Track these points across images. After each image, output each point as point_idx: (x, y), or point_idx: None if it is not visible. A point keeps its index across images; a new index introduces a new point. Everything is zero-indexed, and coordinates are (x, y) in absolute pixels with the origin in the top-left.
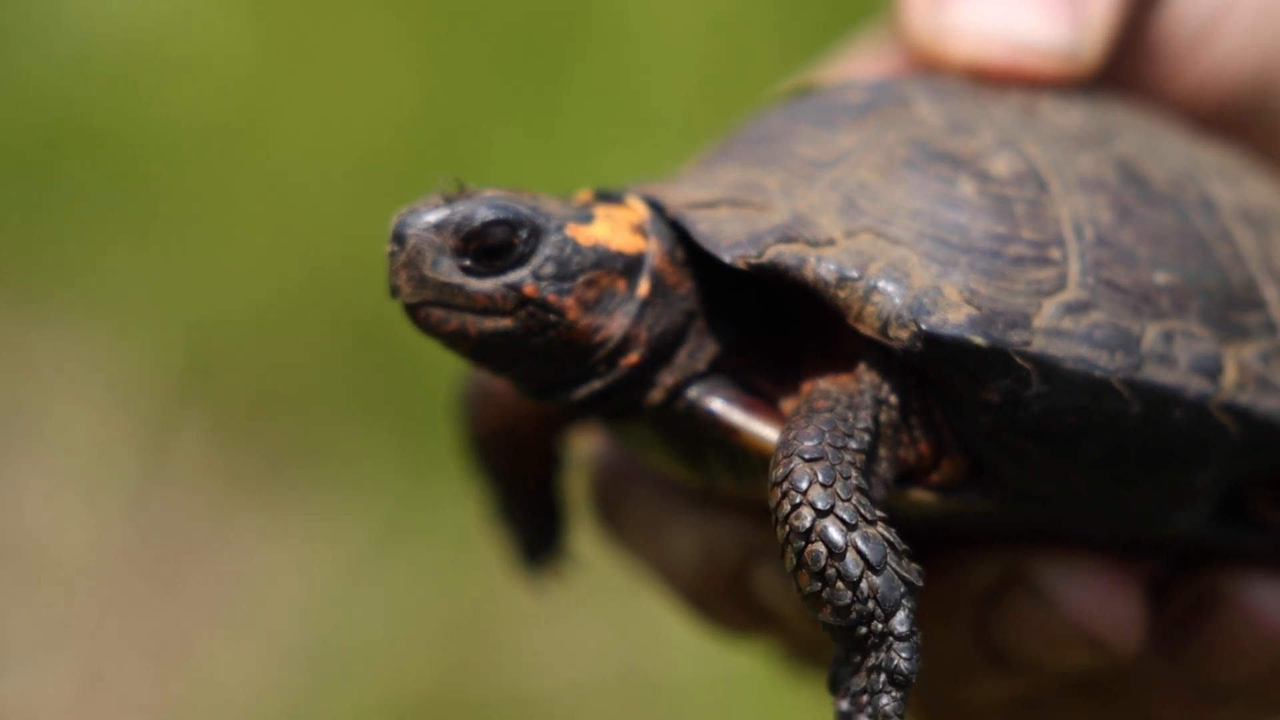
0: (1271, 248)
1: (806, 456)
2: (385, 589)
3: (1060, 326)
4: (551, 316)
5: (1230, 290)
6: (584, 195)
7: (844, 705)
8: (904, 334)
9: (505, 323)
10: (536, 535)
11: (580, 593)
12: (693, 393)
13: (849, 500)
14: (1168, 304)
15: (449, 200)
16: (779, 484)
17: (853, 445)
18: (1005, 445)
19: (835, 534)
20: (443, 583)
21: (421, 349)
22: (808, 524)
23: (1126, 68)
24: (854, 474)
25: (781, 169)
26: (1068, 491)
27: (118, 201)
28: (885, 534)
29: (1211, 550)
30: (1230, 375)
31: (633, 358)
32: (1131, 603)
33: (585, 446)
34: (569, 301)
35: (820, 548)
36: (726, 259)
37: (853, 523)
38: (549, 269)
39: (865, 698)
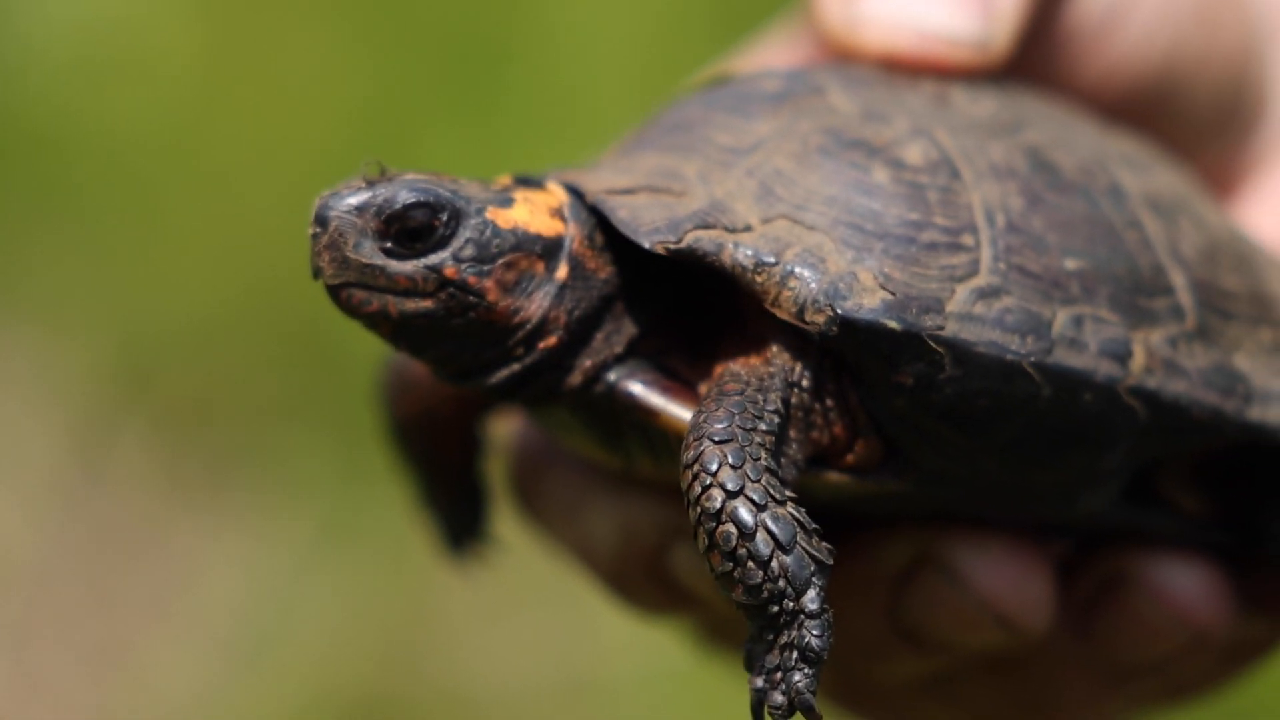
0: (1179, 235)
1: (716, 439)
2: (323, 589)
3: (973, 311)
4: (471, 298)
5: (1139, 276)
6: (504, 180)
7: (759, 682)
8: (820, 318)
9: (426, 304)
10: (460, 520)
11: (517, 591)
12: (612, 376)
13: (758, 481)
14: (1078, 289)
15: (371, 183)
16: (689, 466)
17: (762, 427)
18: (919, 427)
19: (745, 514)
20: (380, 582)
21: (358, 355)
22: (718, 505)
23: (1036, 59)
24: (763, 455)
25: (699, 156)
26: (980, 473)
27: (56, 206)
28: (795, 514)
29: (1120, 531)
30: (1139, 359)
31: (551, 340)
32: (1041, 582)
33: (505, 430)
34: (489, 283)
35: (731, 528)
36: (646, 244)
37: (762, 503)
38: (469, 251)
39: (779, 675)
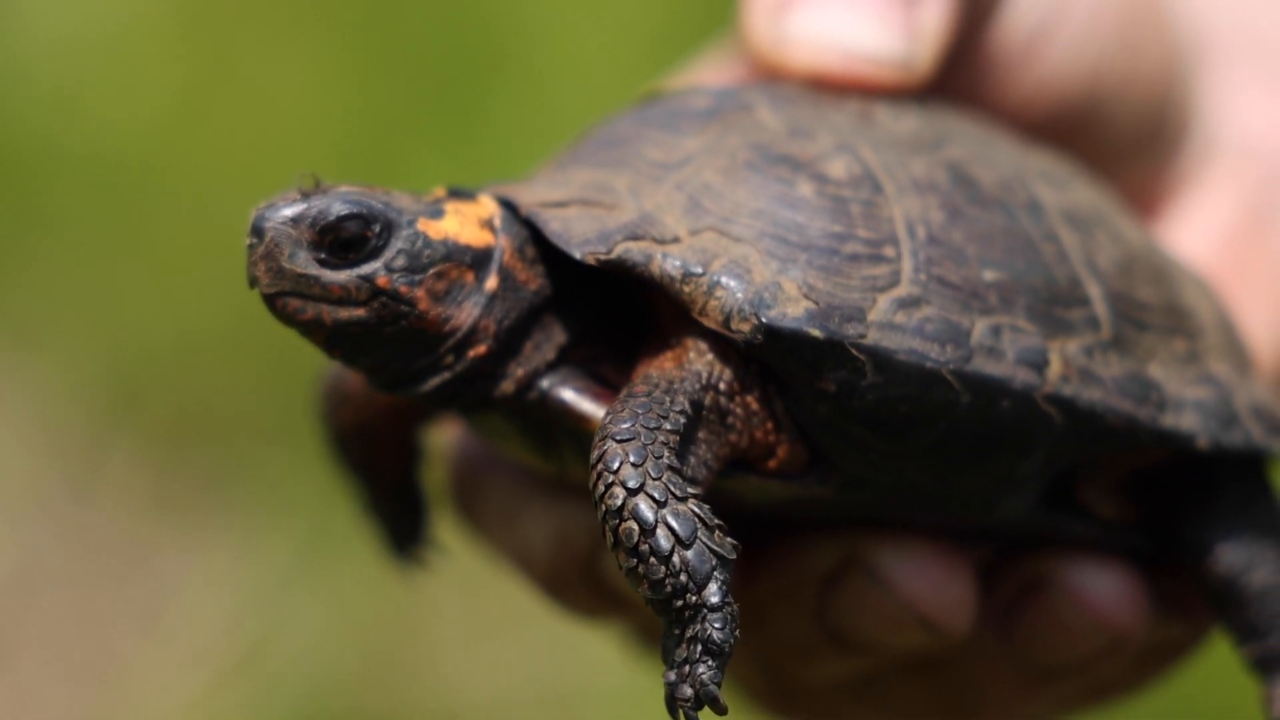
0: (1095, 248)
1: (619, 438)
2: (308, 606)
3: (894, 320)
4: (403, 307)
5: (1055, 287)
6: (438, 192)
7: (671, 676)
8: (745, 327)
9: (359, 313)
10: (402, 527)
11: (500, 606)
12: (544, 383)
13: (659, 479)
14: (996, 300)
15: (305, 195)
16: (594, 465)
17: (666, 426)
18: (842, 433)
19: (646, 510)
20: (364, 599)
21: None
22: (619, 502)
23: (960, 78)
24: (665, 453)
25: (630, 170)
26: (902, 478)
27: (41, 225)
28: (696, 510)
29: (1040, 536)
30: (1055, 368)
31: (481, 349)
32: (963, 585)
33: (444, 439)
34: (419, 293)
35: (632, 525)
36: (577, 255)
37: (662, 500)
38: (400, 261)
39: (687, 668)
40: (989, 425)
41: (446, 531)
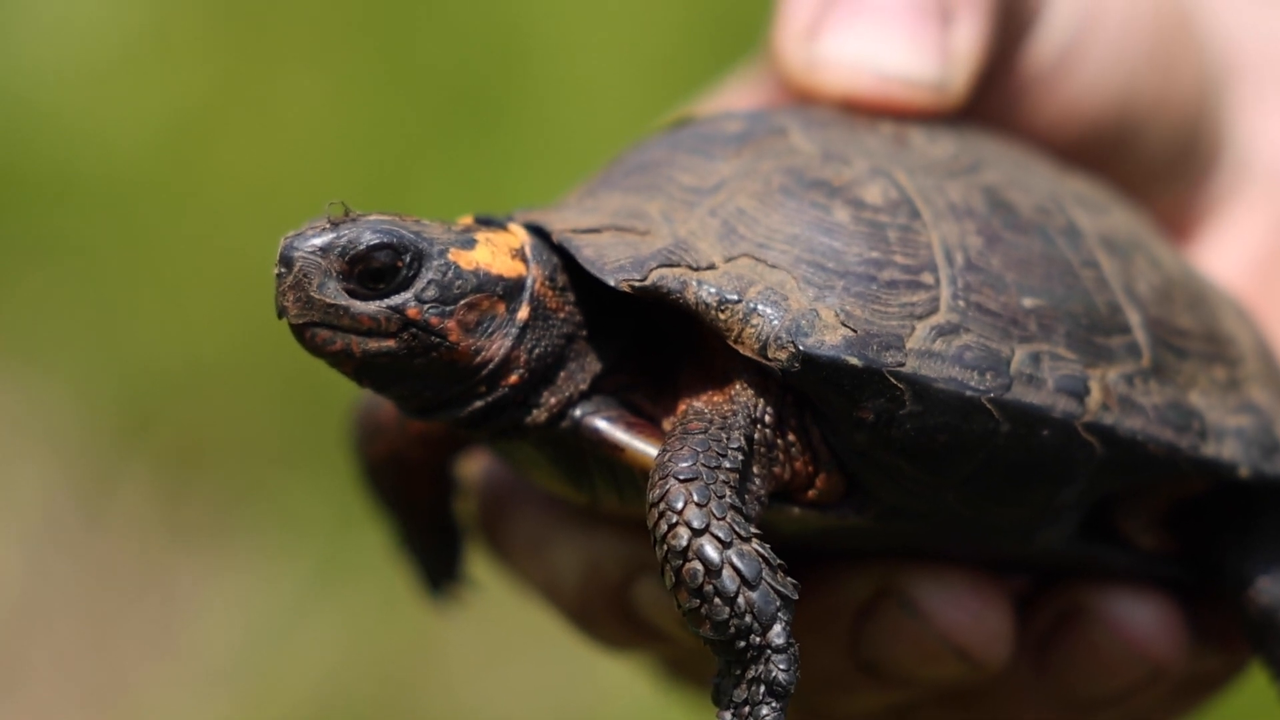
0: (1134, 274)
1: (681, 477)
2: (322, 629)
3: (932, 348)
4: (434, 339)
5: (1095, 314)
6: (467, 220)
7: (727, 716)
8: (782, 355)
9: (389, 344)
10: (437, 562)
11: (515, 630)
12: (577, 412)
13: (724, 519)
14: (1035, 327)
15: (335, 224)
16: (656, 504)
17: (726, 465)
18: (880, 462)
19: (711, 552)
20: (378, 622)
21: (355, 397)
22: (684, 543)
23: (993, 100)
24: (728, 493)
25: (663, 196)
26: (939, 508)
27: (54, 249)
28: (760, 550)
29: (1077, 567)
30: (1095, 396)
31: (513, 378)
32: (1000, 616)
33: (473, 469)
34: (451, 324)
35: (697, 565)
36: (611, 282)
37: (728, 540)
38: (431, 292)
39: (747, 709)
40: (1029, 454)
41: (479, 565)
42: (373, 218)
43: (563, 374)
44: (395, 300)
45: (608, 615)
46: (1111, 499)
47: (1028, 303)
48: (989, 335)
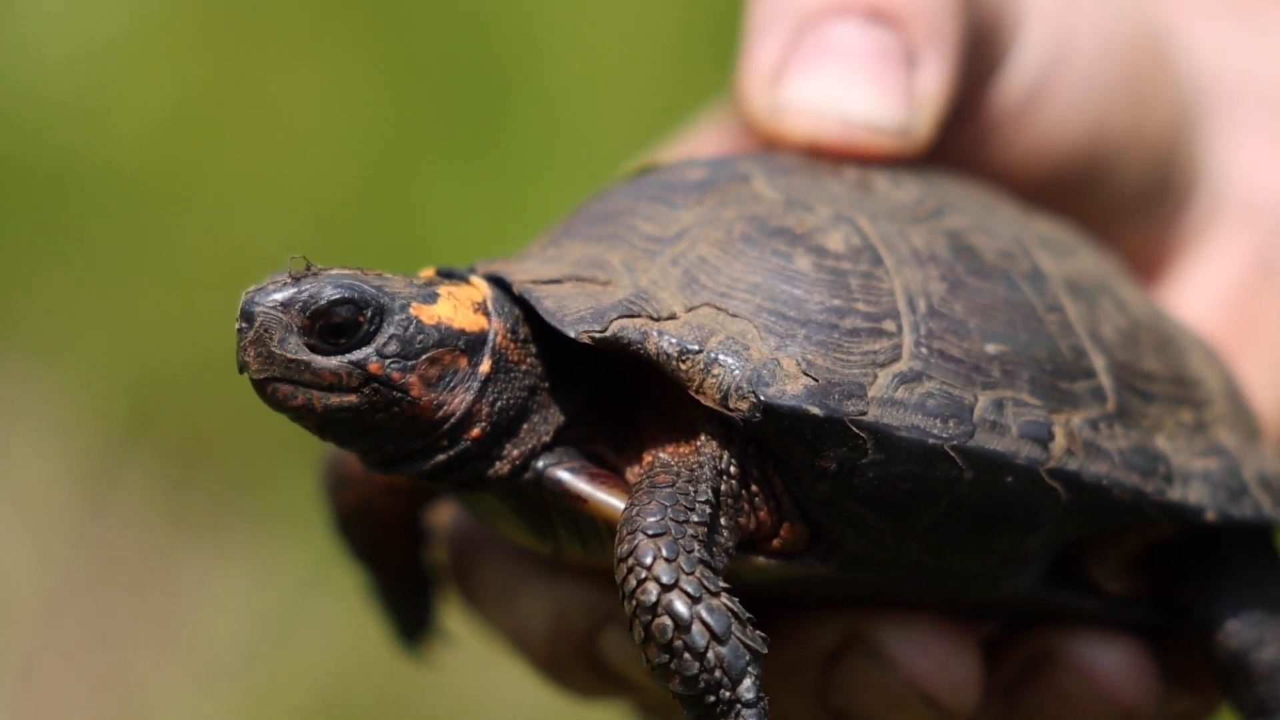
0: (1100, 317)
1: (650, 532)
2: (325, 620)
3: (895, 396)
4: (395, 393)
5: (1060, 359)
6: (428, 273)
7: None
8: (744, 405)
9: (350, 399)
10: (409, 611)
11: None
12: (539, 464)
13: (693, 574)
14: (999, 373)
15: (296, 279)
16: (624, 559)
17: (694, 518)
18: (843, 512)
19: (681, 607)
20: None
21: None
22: (653, 599)
23: (961, 138)
24: (697, 547)
25: (624, 245)
26: (903, 556)
27: (58, 242)
28: (729, 604)
29: (1045, 612)
30: (1060, 442)
31: (475, 432)
32: (968, 662)
33: (443, 517)
34: (412, 379)
35: (667, 621)
36: (571, 334)
37: (697, 595)
38: (393, 347)
39: None
40: (993, 502)
41: (453, 615)
42: (334, 272)
43: (525, 426)
44: (357, 355)
45: (576, 665)
46: (1078, 545)
47: (991, 349)
48: (952, 382)
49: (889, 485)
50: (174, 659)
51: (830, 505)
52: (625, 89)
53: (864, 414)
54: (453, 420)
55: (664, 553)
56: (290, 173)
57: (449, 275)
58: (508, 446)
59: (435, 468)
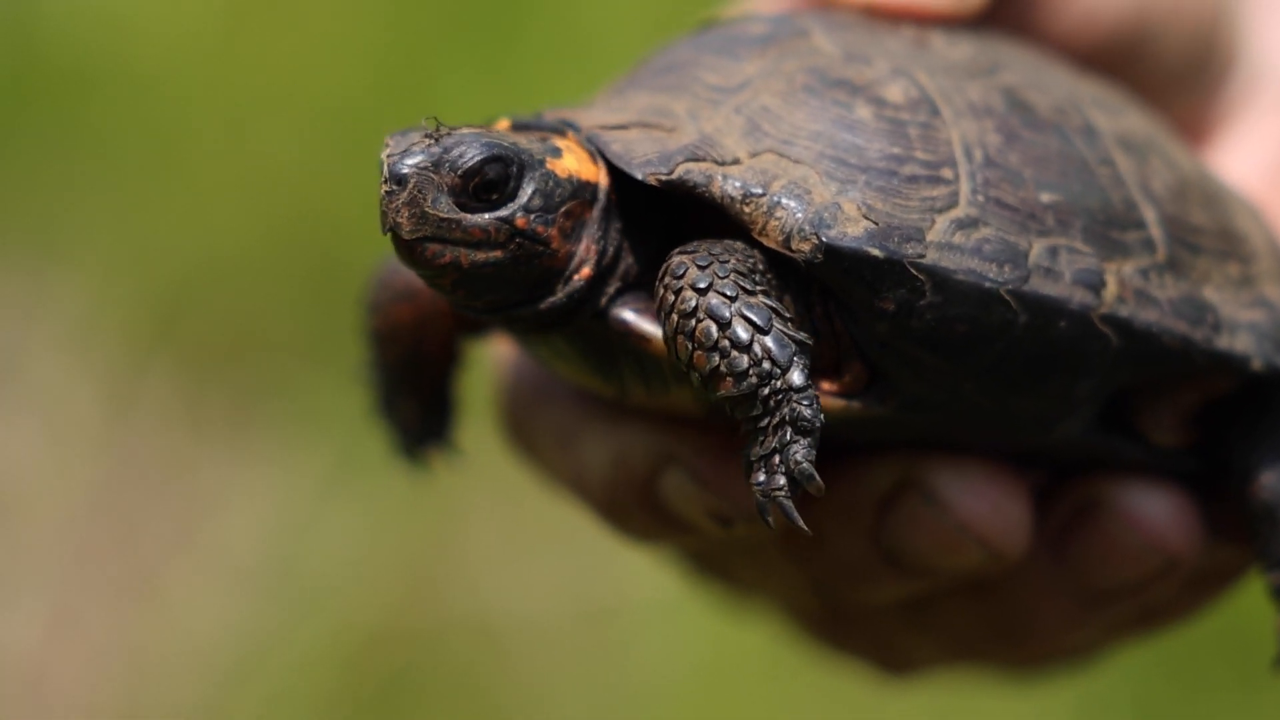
0: (1149, 172)
1: (684, 251)
2: (346, 520)
3: (952, 241)
4: (539, 246)
5: (1111, 210)
6: (503, 124)
7: (760, 476)
8: (806, 246)
9: (496, 254)
10: (424, 427)
11: (537, 521)
12: (612, 306)
13: (727, 278)
14: (1052, 221)
15: (437, 139)
16: (661, 281)
17: (733, 263)
18: (900, 353)
19: (719, 305)
20: (401, 514)
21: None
22: (692, 304)
23: (1011, 8)
24: (732, 262)
25: (688, 95)
26: (959, 398)
27: (80, 146)
28: (768, 301)
29: (1095, 461)
30: (1111, 289)
31: (586, 271)
32: (1019, 506)
33: (493, 365)
34: (553, 231)
35: (709, 323)
36: (639, 175)
37: (733, 295)
38: (537, 202)
39: (777, 458)
40: (1046, 346)
41: (469, 439)
42: (469, 131)
43: (620, 268)
44: (504, 212)
45: (636, 507)
46: (1130, 395)
47: (1045, 198)
48: (1007, 229)
49: (945, 327)
50: (193, 560)
51: (889, 346)
52: None
53: (922, 256)
54: (572, 267)
55: (698, 263)
56: (309, 77)
57: (523, 125)
58: (605, 289)
59: (546, 311)
